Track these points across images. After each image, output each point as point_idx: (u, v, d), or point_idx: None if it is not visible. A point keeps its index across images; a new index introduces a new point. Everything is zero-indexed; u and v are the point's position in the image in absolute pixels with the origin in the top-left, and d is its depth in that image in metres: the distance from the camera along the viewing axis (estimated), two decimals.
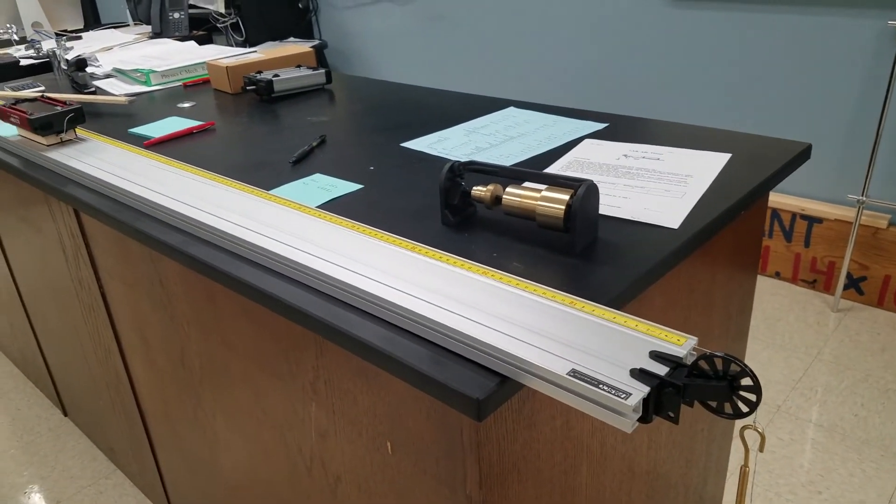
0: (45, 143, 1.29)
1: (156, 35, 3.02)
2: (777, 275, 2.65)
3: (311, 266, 0.79)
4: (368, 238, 0.85)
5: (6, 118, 1.34)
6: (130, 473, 1.79)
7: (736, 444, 1.82)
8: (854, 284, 2.46)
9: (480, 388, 0.61)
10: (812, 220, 2.50)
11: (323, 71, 1.66)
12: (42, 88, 1.83)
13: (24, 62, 2.39)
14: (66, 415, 2.13)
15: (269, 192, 1.03)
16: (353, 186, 1.05)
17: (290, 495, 1.05)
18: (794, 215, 2.54)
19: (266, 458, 1.06)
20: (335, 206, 0.99)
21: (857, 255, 2.42)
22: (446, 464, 0.72)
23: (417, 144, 1.22)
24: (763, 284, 2.63)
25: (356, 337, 0.70)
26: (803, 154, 1.07)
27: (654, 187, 0.95)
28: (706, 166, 1.01)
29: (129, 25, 3.46)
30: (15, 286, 1.86)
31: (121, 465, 1.83)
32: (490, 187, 0.88)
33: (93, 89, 1.81)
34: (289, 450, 0.99)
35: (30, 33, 2.83)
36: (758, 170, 1.00)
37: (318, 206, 0.98)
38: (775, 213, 2.58)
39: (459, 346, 0.65)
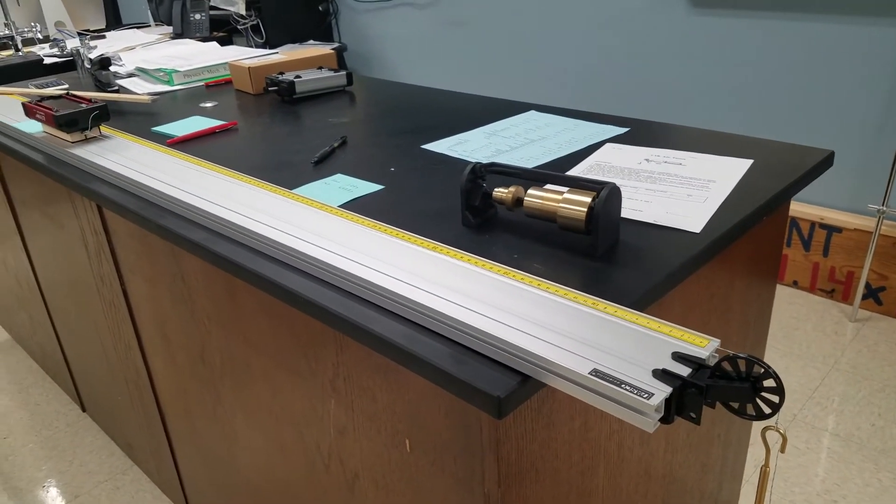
0: (70, 139, 1.31)
1: (177, 36, 3.05)
2: (795, 284, 2.64)
3: (332, 263, 0.80)
4: (389, 237, 0.86)
5: (32, 115, 1.36)
6: (148, 469, 1.80)
7: (751, 452, 1.81)
8: (873, 294, 2.44)
9: (502, 386, 0.61)
10: (831, 230, 2.49)
11: (344, 73, 1.67)
12: (66, 86, 1.85)
13: (47, 60, 2.42)
14: (84, 410, 2.15)
15: (292, 191, 1.03)
16: (374, 187, 1.06)
17: (307, 492, 1.05)
18: (812, 224, 2.52)
19: (284, 454, 1.07)
20: (356, 206, 0.99)
21: (876, 265, 2.41)
22: (464, 462, 0.72)
23: (438, 146, 1.23)
24: (780, 293, 2.62)
25: (378, 334, 0.70)
26: (825, 161, 1.06)
27: (676, 192, 0.95)
28: (728, 172, 1.01)
29: (150, 26, 3.49)
30: (36, 281, 1.88)
31: (138, 460, 1.85)
32: (511, 189, 0.89)
33: (116, 88, 1.83)
34: (307, 446, 0.99)
35: (53, 32, 2.86)
36: (780, 176, 1.00)
37: (339, 206, 0.99)
38: (794, 221, 2.57)
39: (480, 344, 0.66)
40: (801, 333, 2.34)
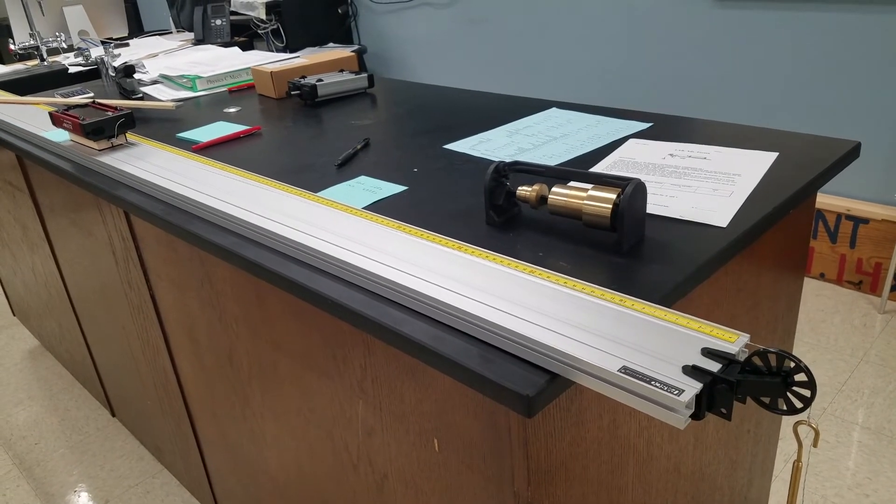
0: (97, 147, 1.32)
1: (198, 42, 3.07)
2: (822, 276, 2.61)
3: (359, 265, 0.80)
4: (415, 238, 0.86)
5: (59, 124, 1.38)
6: (177, 472, 1.82)
7: (781, 447, 1.79)
8: None
9: (530, 385, 0.61)
10: (858, 221, 2.46)
11: (365, 75, 1.68)
12: (91, 95, 1.88)
13: (72, 69, 2.45)
14: (113, 415, 2.18)
15: (317, 194, 1.04)
16: (397, 188, 1.06)
17: (336, 493, 1.06)
18: (839, 216, 2.50)
19: (313, 455, 1.08)
20: (381, 208, 1.00)
21: None
22: (494, 461, 0.72)
23: (460, 146, 1.23)
24: (807, 286, 2.59)
25: (406, 335, 0.71)
26: (852, 153, 1.05)
27: (701, 186, 0.95)
28: (753, 165, 1.01)
29: (171, 32, 3.52)
30: (65, 288, 1.91)
31: (167, 464, 1.86)
32: (535, 187, 0.89)
33: (140, 95, 1.85)
34: (336, 447, 1.00)
35: (77, 41, 2.89)
36: (806, 169, 0.99)
37: (364, 208, 0.99)
38: (820, 213, 2.54)
39: (508, 343, 0.66)
40: (828, 326, 2.32)
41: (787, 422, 1.82)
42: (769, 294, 1.06)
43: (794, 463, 0.66)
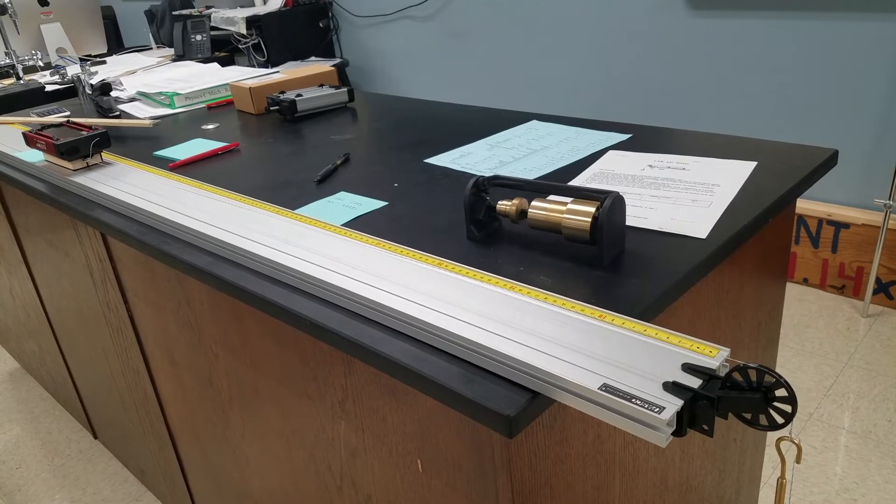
0: (72, 167, 1.31)
1: (178, 58, 3.06)
2: (805, 281, 2.62)
3: (338, 284, 0.79)
4: (394, 255, 0.85)
5: (33, 144, 1.36)
6: (161, 494, 1.79)
7: (769, 454, 1.79)
8: (883, 289, 2.43)
9: (511, 405, 0.60)
10: (839, 226, 2.47)
11: (345, 90, 1.67)
12: (67, 113, 1.86)
13: (49, 88, 2.43)
14: (96, 437, 2.15)
15: (295, 211, 1.03)
16: (377, 204, 1.06)
17: None
18: (820, 221, 2.51)
19: (296, 477, 1.06)
20: (360, 224, 0.99)
21: (885, 260, 2.39)
22: (477, 481, 0.72)
23: (441, 160, 1.22)
24: (791, 291, 2.60)
25: (385, 355, 0.70)
26: (830, 160, 1.05)
27: (680, 197, 0.95)
28: (732, 175, 1.00)
29: (151, 49, 3.51)
30: (43, 310, 1.88)
31: (151, 486, 1.84)
32: (515, 201, 0.88)
33: (117, 113, 1.83)
34: (318, 469, 0.99)
35: (54, 59, 2.87)
36: (784, 177, 0.99)
37: (343, 224, 0.98)
38: (801, 219, 2.55)
39: (489, 362, 0.65)
40: (813, 331, 2.33)
41: (776, 432, 1.82)
42: (751, 303, 1.06)
43: (778, 480, 0.66)
